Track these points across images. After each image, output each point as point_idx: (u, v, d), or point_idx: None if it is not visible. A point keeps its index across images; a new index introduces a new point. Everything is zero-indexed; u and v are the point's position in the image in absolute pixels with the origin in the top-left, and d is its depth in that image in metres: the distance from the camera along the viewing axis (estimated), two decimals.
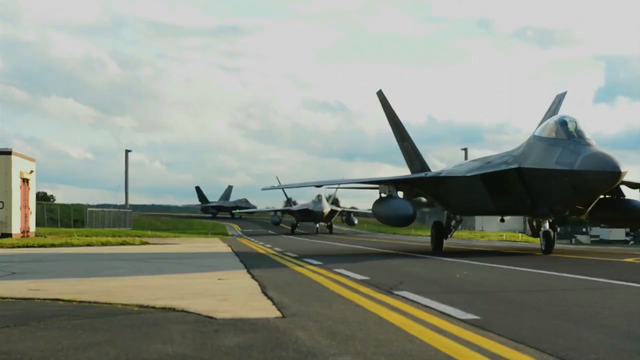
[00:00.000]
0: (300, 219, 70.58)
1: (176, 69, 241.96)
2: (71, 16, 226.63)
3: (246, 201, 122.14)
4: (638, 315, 8.36)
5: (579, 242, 70.96)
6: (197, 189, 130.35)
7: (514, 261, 19.00)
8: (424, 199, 32.19)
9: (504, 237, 49.13)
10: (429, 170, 32.51)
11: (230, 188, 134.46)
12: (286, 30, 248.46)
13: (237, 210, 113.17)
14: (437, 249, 27.00)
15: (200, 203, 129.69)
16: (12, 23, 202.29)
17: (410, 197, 30.62)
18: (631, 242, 75.96)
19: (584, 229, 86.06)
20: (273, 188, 42.77)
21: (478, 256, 22.22)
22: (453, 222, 29.10)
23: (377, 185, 30.83)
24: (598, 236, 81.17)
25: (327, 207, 67.83)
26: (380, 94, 35.43)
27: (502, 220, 33.03)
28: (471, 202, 26.10)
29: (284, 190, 75.24)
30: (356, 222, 73.30)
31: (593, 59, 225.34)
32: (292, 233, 64.72)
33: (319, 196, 68.47)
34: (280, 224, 77.01)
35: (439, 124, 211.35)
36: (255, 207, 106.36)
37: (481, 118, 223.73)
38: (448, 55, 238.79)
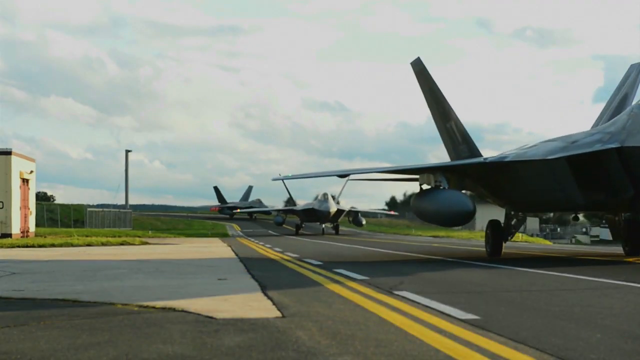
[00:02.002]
0: (304, 219, 65.92)
1: (175, 68, 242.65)
2: (70, 16, 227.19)
3: (260, 202, 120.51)
4: (638, 315, 8.36)
5: (579, 242, 71.01)
6: (216, 189, 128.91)
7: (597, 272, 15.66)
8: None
9: None
10: (481, 156, 25.82)
11: (250, 188, 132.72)
12: (285, 30, 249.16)
13: (239, 210, 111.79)
14: (494, 254, 21.87)
15: (219, 204, 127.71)
16: (11, 22, 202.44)
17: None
18: None
19: (583, 229, 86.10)
20: (286, 178, 36.15)
21: (549, 265, 17.52)
22: (514, 221, 23.30)
23: (414, 176, 25.26)
24: (598, 236, 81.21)
25: (333, 207, 63.22)
26: (417, 64, 28.97)
27: (577, 219, 27.23)
28: (549, 194, 20.21)
29: (287, 189, 72.67)
30: (364, 222, 69.62)
31: (592, 58, 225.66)
32: (297, 234, 60.58)
33: (324, 194, 63.90)
34: (283, 225, 73.20)
35: None
36: (266, 207, 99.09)
37: (481, 118, 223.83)
38: (447, 55, 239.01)
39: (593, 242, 71.36)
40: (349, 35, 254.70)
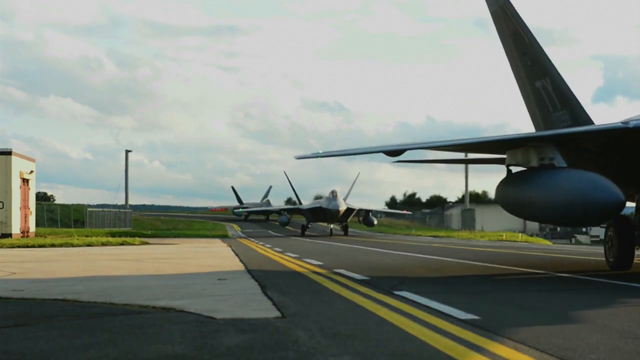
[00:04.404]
0: (311, 219, 61.46)
1: (174, 68, 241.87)
2: (69, 16, 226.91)
3: (268, 202, 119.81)
4: (638, 315, 8.36)
5: (578, 242, 70.98)
6: (233, 189, 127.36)
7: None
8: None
9: (504, 237, 49.06)
10: (592, 124, 17.91)
11: (270, 188, 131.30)
12: (284, 30, 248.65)
13: (241, 210, 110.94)
14: (620, 265, 15.31)
15: (238, 204, 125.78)
16: (9, 23, 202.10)
17: None
18: None
19: (583, 229, 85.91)
20: (315, 156, 27.95)
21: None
22: None
23: (495, 156, 18.83)
24: (598, 236, 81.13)
25: (343, 205, 58.46)
26: (502, 3, 20.41)
27: None
28: None
29: (292, 186, 70.35)
30: (375, 222, 65.33)
31: (591, 58, 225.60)
32: (302, 235, 56.07)
33: (333, 192, 59.30)
34: (287, 225, 68.66)
35: (438, 124, 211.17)
36: (274, 207, 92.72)
37: (480, 118, 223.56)
38: (446, 55, 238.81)
39: (593, 242, 71.31)
40: (348, 35, 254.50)
